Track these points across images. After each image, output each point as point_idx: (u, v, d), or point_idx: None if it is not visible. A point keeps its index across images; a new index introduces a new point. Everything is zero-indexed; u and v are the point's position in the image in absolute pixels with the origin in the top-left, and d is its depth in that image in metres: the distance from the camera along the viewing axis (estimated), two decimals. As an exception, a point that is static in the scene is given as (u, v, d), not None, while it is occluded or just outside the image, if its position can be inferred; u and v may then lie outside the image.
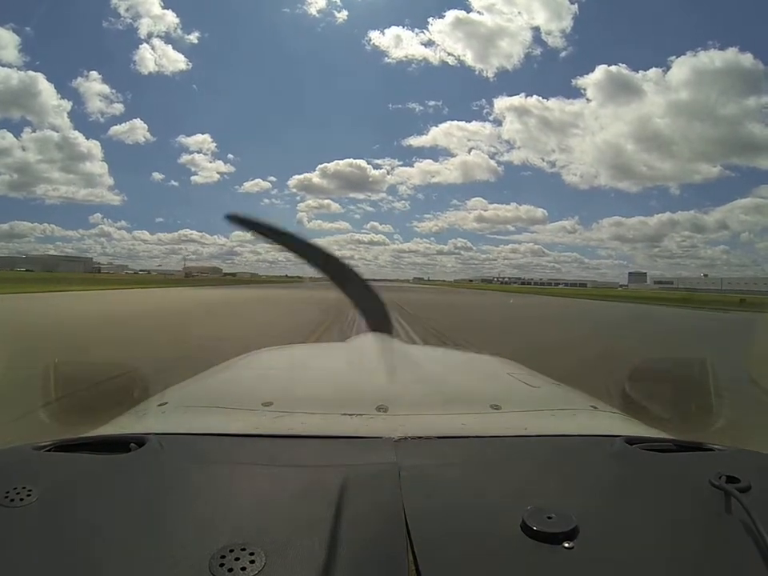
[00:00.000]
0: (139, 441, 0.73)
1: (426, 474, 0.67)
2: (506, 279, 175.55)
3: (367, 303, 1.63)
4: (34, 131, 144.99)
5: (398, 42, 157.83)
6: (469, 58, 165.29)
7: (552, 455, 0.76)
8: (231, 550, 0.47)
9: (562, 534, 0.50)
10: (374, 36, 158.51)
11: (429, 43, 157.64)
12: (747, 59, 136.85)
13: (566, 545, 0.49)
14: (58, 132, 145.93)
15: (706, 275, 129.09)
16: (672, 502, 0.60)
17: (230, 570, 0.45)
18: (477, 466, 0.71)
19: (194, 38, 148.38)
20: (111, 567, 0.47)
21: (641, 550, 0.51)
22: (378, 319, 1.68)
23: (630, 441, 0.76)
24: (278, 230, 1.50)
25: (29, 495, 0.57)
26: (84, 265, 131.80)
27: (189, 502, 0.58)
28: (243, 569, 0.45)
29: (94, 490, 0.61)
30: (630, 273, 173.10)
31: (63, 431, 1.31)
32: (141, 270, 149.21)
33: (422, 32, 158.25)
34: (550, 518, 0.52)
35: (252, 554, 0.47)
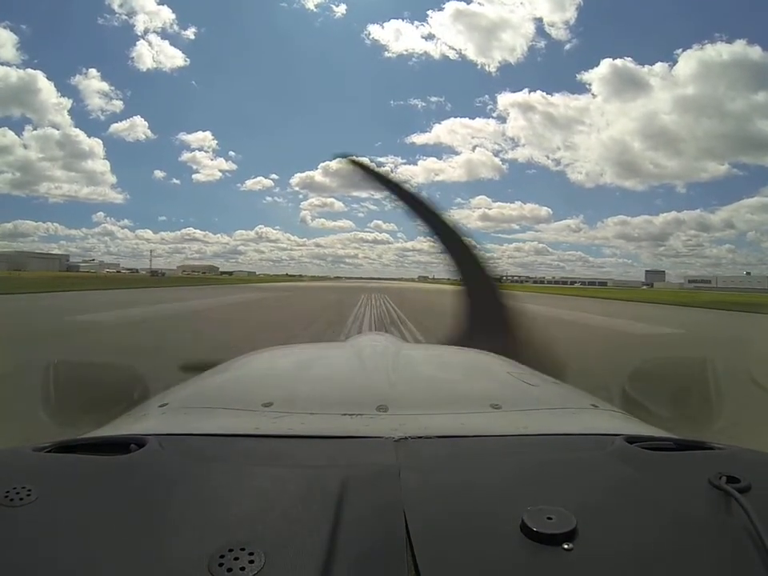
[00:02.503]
0: (139, 442, 0.73)
1: (426, 473, 0.67)
2: (518, 278, 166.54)
3: (478, 281, 1.48)
4: (35, 129, 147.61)
5: (398, 36, 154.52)
6: (470, 52, 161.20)
7: (552, 454, 0.76)
8: (230, 550, 0.47)
9: (561, 534, 0.50)
10: (374, 30, 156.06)
11: (429, 37, 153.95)
12: (756, 52, 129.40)
13: (566, 546, 0.49)
14: (58, 130, 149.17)
15: (748, 273, 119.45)
16: (672, 502, 0.59)
17: (229, 569, 0.45)
18: (477, 466, 0.71)
19: (190, 33, 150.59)
20: (110, 567, 0.47)
21: (640, 550, 0.50)
22: (508, 342, 1.50)
23: (631, 440, 0.76)
24: (394, 182, 1.56)
25: (29, 495, 0.57)
26: (59, 263, 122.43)
27: (189, 503, 0.58)
28: (242, 569, 0.45)
29: (94, 490, 0.61)
30: (647, 271, 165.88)
31: (63, 432, 1.29)
32: (126, 269, 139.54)
33: (422, 24, 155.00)
34: (549, 518, 0.52)
35: (251, 554, 0.47)
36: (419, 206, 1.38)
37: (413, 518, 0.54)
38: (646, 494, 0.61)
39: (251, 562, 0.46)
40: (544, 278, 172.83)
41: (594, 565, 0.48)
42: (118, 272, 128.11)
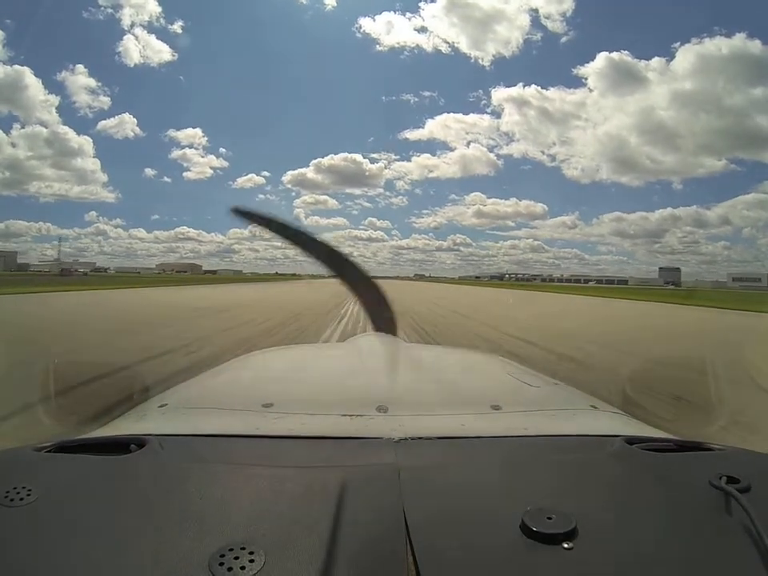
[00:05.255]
0: (139, 442, 0.73)
1: (426, 474, 0.67)
2: (522, 275, 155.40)
3: (373, 303, 1.63)
4: (22, 127, 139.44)
5: (390, 29, 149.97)
6: (464, 45, 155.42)
7: (552, 455, 0.76)
8: (231, 550, 0.48)
9: (561, 534, 0.50)
10: (365, 23, 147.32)
11: (422, 29, 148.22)
12: (755, 46, 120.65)
13: (565, 545, 0.49)
14: (47, 127, 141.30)
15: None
16: (672, 502, 0.60)
17: (230, 569, 0.45)
18: (477, 467, 0.71)
19: (177, 27, 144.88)
20: (111, 567, 0.47)
21: (640, 550, 0.50)
22: (383, 319, 1.68)
23: (630, 441, 0.76)
24: (284, 224, 1.53)
25: (29, 495, 0.57)
26: (5, 261, 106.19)
27: (189, 503, 0.58)
28: (243, 568, 0.45)
29: (94, 490, 0.61)
30: (661, 268, 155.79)
31: (64, 432, 1.27)
32: (84, 269, 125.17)
33: (415, 16, 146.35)
34: (549, 518, 0.52)
35: (251, 553, 0.47)
36: (308, 240, 1.46)
37: (412, 518, 0.54)
38: (646, 494, 0.61)
39: (251, 561, 0.46)
40: (551, 275, 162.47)
41: (593, 564, 0.48)
42: (75, 271, 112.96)
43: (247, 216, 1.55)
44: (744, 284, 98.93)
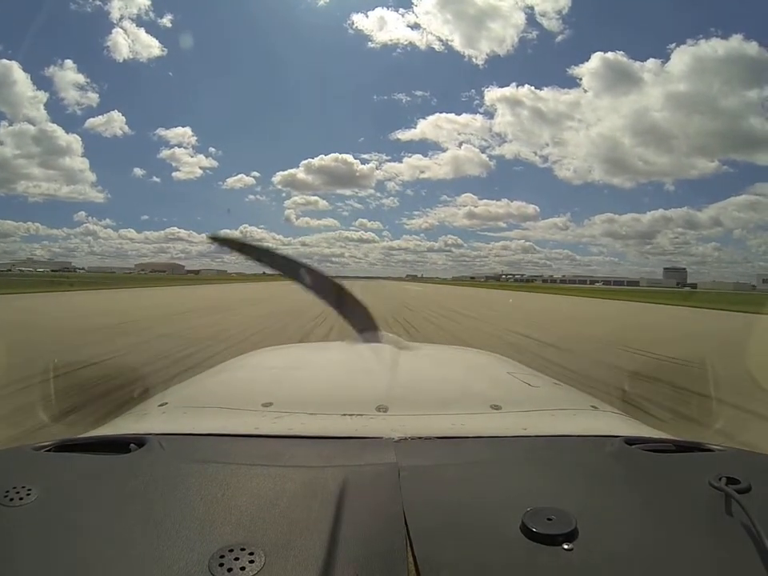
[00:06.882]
0: (139, 441, 0.73)
1: (425, 474, 0.67)
2: (524, 276, 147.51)
3: (350, 308, 1.68)
4: (10, 124, 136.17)
5: (383, 25, 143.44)
6: (457, 43, 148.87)
7: (552, 455, 0.76)
8: (231, 550, 0.48)
9: (561, 535, 0.50)
10: (357, 19, 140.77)
11: (415, 26, 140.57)
12: (752, 47, 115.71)
13: (566, 546, 0.49)
14: (34, 125, 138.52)
15: None
16: (671, 503, 0.60)
17: (230, 569, 0.45)
18: (477, 467, 0.71)
19: (167, 21, 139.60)
20: (110, 567, 0.47)
21: (640, 551, 0.51)
22: (361, 319, 1.72)
23: (630, 441, 0.76)
24: (258, 248, 1.68)
25: (28, 495, 0.57)
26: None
27: (188, 502, 0.58)
28: (242, 569, 0.45)
29: (93, 490, 0.61)
30: (665, 268, 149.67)
31: (64, 431, 1.25)
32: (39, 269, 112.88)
33: (408, 12, 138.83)
34: (549, 519, 0.52)
35: (251, 553, 0.47)
36: (290, 264, 1.59)
37: (413, 518, 0.54)
38: (646, 495, 0.61)
39: (251, 561, 0.46)
40: (551, 276, 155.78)
41: (593, 565, 0.48)
42: (22, 271, 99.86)
43: (223, 242, 1.69)
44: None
